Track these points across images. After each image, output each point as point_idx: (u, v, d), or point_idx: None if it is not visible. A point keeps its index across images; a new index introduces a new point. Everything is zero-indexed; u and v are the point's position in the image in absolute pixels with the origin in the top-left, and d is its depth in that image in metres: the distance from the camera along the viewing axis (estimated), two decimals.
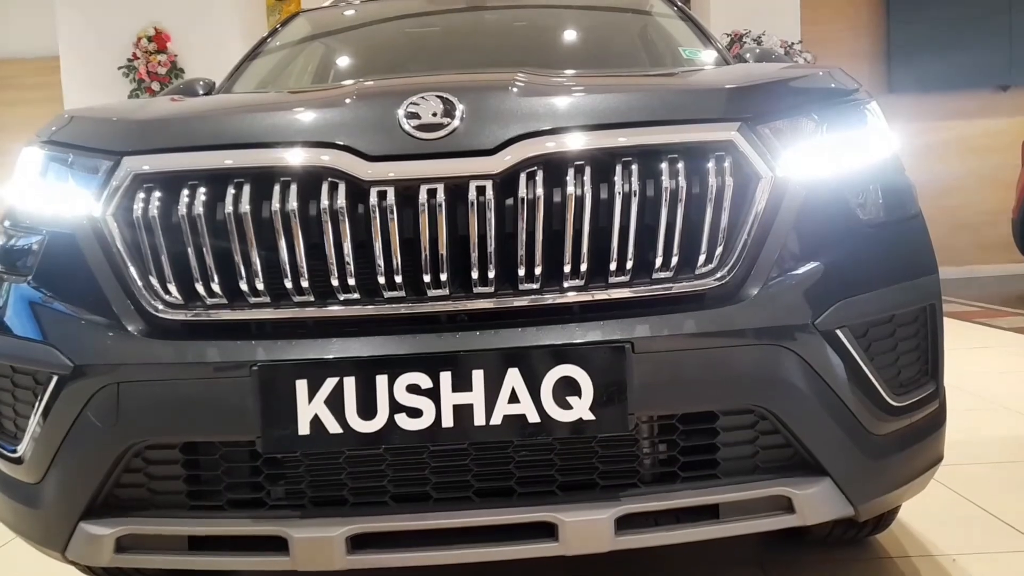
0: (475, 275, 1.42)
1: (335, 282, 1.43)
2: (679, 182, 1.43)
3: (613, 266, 1.42)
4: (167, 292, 1.48)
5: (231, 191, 1.45)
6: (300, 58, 3.13)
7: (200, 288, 1.46)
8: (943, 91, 8.72)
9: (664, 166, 1.44)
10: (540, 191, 1.41)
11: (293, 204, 1.43)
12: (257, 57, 2.95)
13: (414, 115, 1.46)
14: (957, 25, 8.46)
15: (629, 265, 1.43)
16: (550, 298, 1.43)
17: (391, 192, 1.41)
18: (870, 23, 8.89)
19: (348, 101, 1.54)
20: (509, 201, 1.42)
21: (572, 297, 1.43)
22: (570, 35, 3.22)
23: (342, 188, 1.43)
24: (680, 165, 1.44)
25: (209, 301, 1.47)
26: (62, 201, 1.59)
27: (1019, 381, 4.01)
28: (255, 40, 3.17)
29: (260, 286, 1.45)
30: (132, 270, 1.49)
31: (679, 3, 3.19)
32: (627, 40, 3.11)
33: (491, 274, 1.41)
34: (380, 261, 1.42)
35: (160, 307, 1.48)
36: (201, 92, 2.61)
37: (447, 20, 3.33)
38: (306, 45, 3.17)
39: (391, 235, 1.41)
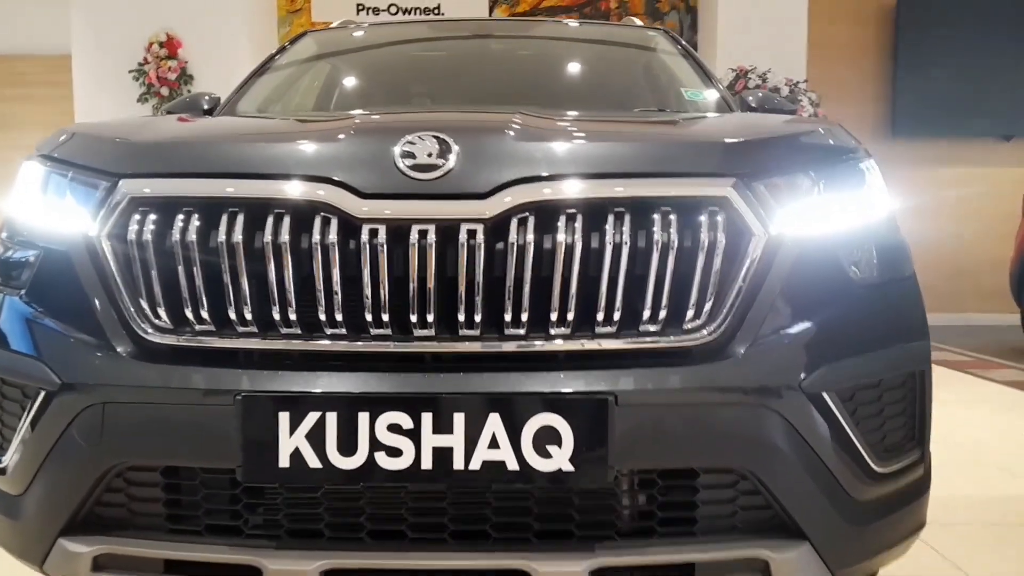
0: (462, 317, 1.42)
1: (322, 316, 1.44)
2: (671, 235, 1.44)
3: (601, 316, 1.43)
4: (157, 316, 1.49)
5: (225, 219, 1.46)
6: (305, 78, 3.16)
7: (189, 314, 1.47)
8: (946, 138, 8.76)
9: (657, 218, 1.45)
10: (531, 237, 1.42)
11: (285, 237, 1.44)
12: (263, 74, 2.97)
13: (409, 154, 1.47)
14: (964, 73, 8.50)
15: (617, 316, 1.43)
16: (536, 344, 1.44)
17: (382, 230, 1.42)
18: (877, 66, 8.94)
19: (345, 136, 1.55)
20: (499, 245, 1.43)
21: (558, 345, 1.44)
22: (573, 69, 3.25)
23: (334, 223, 1.44)
24: (673, 218, 1.45)
25: (198, 327, 1.48)
26: (59, 218, 1.60)
27: (1010, 438, 3.99)
28: (265, 51, 3.20)
29: (249, 316, 1.45)
30: (124, 292, 1.50)
31: (683, 42, 3.21)
32: (630, 79, 3.13)
33: (478, 317, 1.42)
34: (368, 298, 1.43)
35: (149, 330, 1.48)
36: (206, 107, 2.64)
37: (453, 48, 3.36)
38: (311, 65, 3.19)
39: (380, 273, 1.42)
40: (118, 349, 1.49)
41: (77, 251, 1.54)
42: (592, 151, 1.54)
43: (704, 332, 1.46)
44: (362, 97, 3.14)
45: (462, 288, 1.42)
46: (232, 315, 1.46)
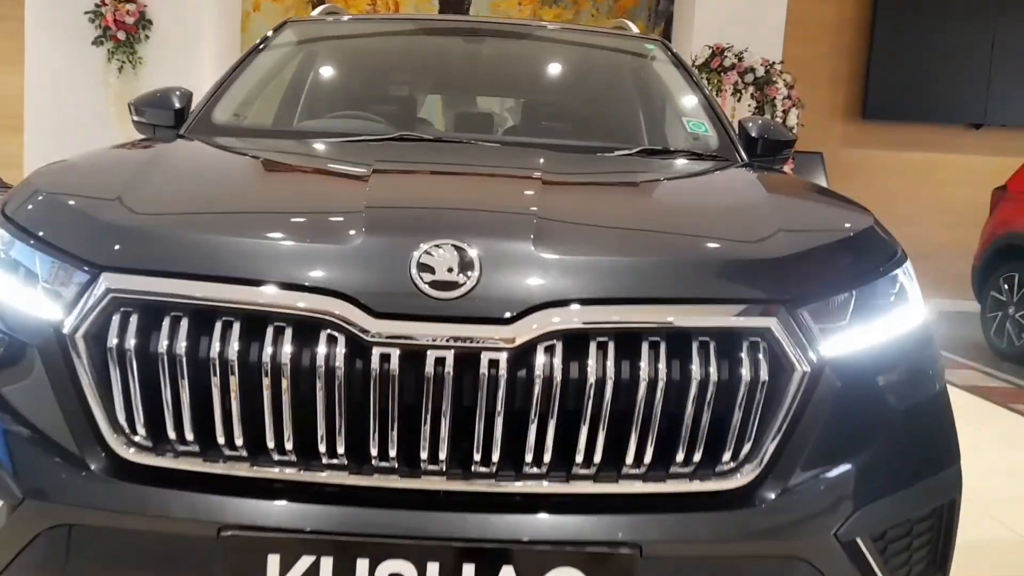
0: (478, 456, 1.29)
1: (322, 446, 1.29)
2: (710, 370, 1.31)
3: (630, 458, 1.31)
4: (134, 431, 1.33)
5: (219, 329, 1.30)
6: (287, 73, 2.93)
7: (171, 432, 1.31)
8: (917, 123, 8.74)
9: (696, 350, 1.32)
10: (559, 368, 1.28)
11: (286, 354, 1.28)
12: (243, 70, 2.73)
13: (427, 268, 1.32)
14: (939, 59, 8.43)
15: (647, 458, 1.31)
16: (556, 487, 1.31)
17: (395, 355, 1.27)
18: (853, 46, 8.81)
19: (357, 241, 1.37)
20: (521, 373, 1.29)
21: (580, 488, 1.32)
22: (566, 86, 3.08)
23: (341, 343, 1.28)
24: (712, 350, 1.33)
25: (180, 448, 1.32)
26: (26, 301, 1.41)
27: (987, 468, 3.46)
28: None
29: (239, 440, 1.30)
30: (98, 400, 1.33)
31: (679, 55, 3.04)
32: (626, 103, 2.97)
33: (495, 456, 1.29)
34: (375, 427, 1.28)
35: (125, 446, 1.33)
36: (177, 106, 2.41)
37: (441, 48, 3.14)
38: (291, 60, 2.96)
39: (390, 400, 1.27)
40: (89, 465, 1.33)
41: (47, 348, 1.36)
42: (627, 269, 1.39)
43: (739, 476, 1.35)
44: (345, 98, 2.94)
45: (480, 424, 1.28)
46: (220, 437, 1.31)
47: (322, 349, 1.28)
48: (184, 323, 1.31)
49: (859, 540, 1.38)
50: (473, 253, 1.33)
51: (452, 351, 1.27)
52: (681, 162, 2.36)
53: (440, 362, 1.27)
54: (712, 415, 1.32)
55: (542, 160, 2.02)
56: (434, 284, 1.30)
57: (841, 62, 8.86)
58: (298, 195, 1.67)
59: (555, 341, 1.29)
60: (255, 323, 1.30)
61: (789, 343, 1.35)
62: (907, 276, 1.61)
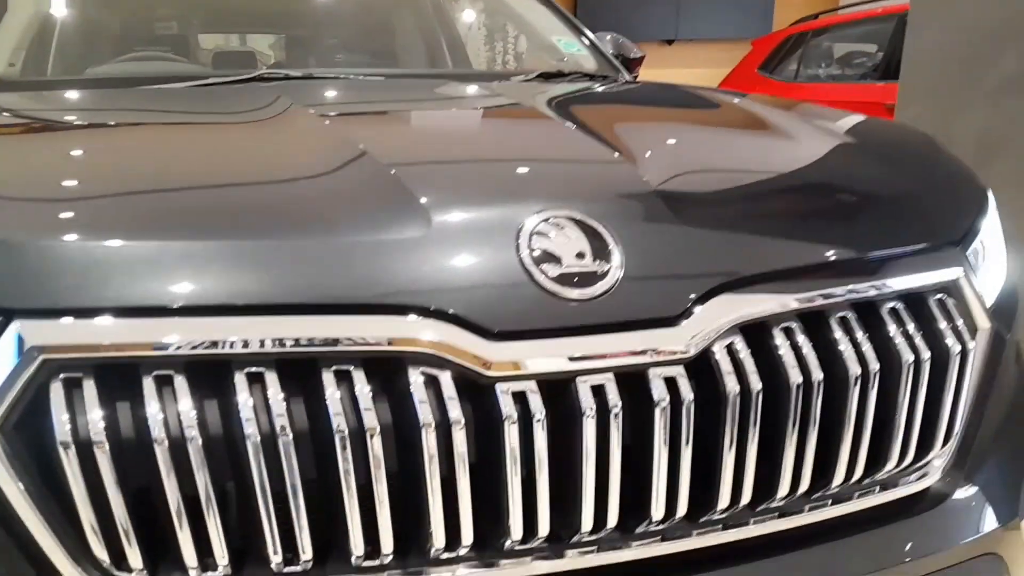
0: (656, 511, 0.92)
1: (437, 538, 0.86)
2: (916, 345, 1.01)
3: (842, 471, 1.00)
4: (116, 561, 0.83)
5: (241, 386, 0.81)
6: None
7: (189, 555, 0.83)
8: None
9: (890, 322, 1.01)
10: (752, 373, 0.92)
11: (368, 412, 0.83)
12: None
13: (547, 254, 0.90)
14: None
15: (860, 469, 1.01)
16: (754, 529, 0.98)
17: (531, 391, 0.86)
18: None
19: (425, 227, 0.90)
20: (690, 390, 0.92)
21: (768, 527, 0.99)
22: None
23: (446, 384, 0.85)
24: (906, 319, 1.02)
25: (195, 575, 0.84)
26: None
27: None
28: None
29: (305, 552, 0.85)
30: (35, 524, 0.81)
31: None
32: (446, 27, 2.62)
33: (680, 508, 0.93)
34: (510, 499, 0.87)
35: None
36: None
37: None
38: None
39: (537, 464, 0.87)
40: None
41: None
42: (793, 229, 1.05)
43: (931, 472, 1.08)
44: (132, 37, 2.39)
45: (658, 466, 0.91)
46: (273, 552, 0.84)
47: (423, 402, 0.84)
48: (179, 387, 0.81)
49: None
50: (602, 227, 0.93)
51: (611, 374, 0.88)
52: (626, 87, 1.99)
53: (598, 392, 0.88)
54: (916, 402, 1.03)
55: (504, 98, 1.62)
56: (563, 279, 0.89)
57: None
58: (267, 166, 1.13)
59: (734, 338, 0.93)
60: (290, 373, 0.84)
61: (973, 297, 1.08)
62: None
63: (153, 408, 0.79)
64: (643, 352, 0.89)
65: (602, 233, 0.92)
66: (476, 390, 0.86)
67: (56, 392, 0.79)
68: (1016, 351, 1.21)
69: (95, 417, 0.79)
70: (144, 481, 0.82)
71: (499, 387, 0.85)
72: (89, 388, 0.80)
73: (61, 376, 0.80)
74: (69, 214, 0.92)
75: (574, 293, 0.89)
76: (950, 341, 1.03)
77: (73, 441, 0.79)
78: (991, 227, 1.20)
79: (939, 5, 2.57)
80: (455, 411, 0.83)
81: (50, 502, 0.81)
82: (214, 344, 0.81)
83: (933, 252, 1.08)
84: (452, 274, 0.87)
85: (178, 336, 0.80)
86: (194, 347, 0.81)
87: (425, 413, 0.83)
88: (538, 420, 0.85)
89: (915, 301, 1.04)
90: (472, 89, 1.82)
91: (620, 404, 0.87)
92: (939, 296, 1.06)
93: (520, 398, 0.85)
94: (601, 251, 0.91)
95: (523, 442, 0.85)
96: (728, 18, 8.85)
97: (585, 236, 0.92)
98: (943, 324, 1.03)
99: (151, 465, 0.80)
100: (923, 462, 1.07)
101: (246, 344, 0.81)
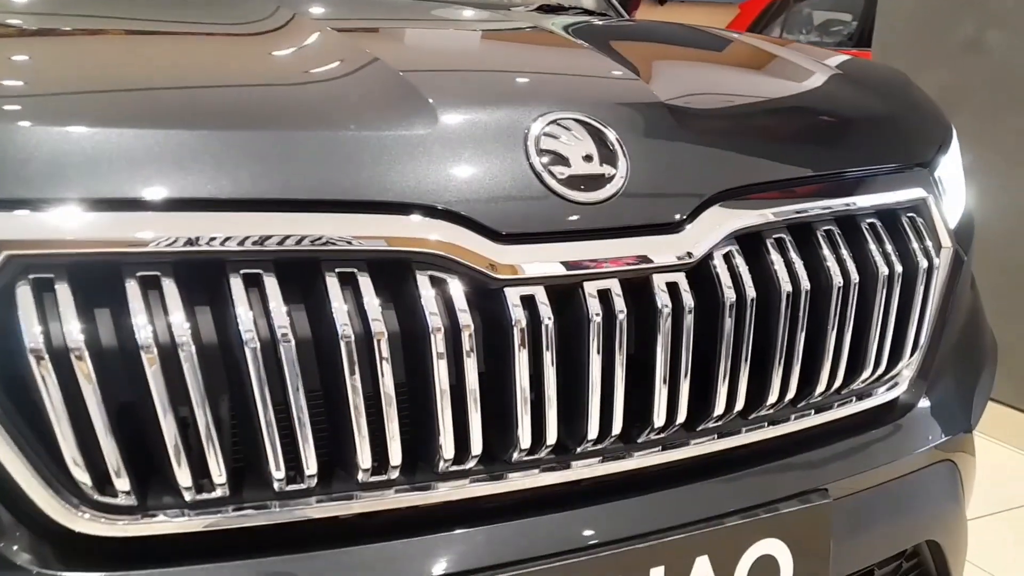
0: (659, 418, 0.91)
1: (445, 448, 0.83)
2: (891, 259, 1.04)
3: (824, 380, 1.02)
4: (104, 483, 0.75)
5: (237, 289, 0.75)
6: None
7: (181, 473, 0.76)
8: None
9: (869, 237, 1.04)
10: (748, 283, 0.93)
11: (376, 313, 0.78)
12: None
13: (555, 156, 0.87)
14: None
15: (825, 381, 1.03)
16: (746, 436, 0.99)
17: (540, 295, 0.83)
18: None
19: (431, 125, 0.85)
20: (697, 295, 0.91)
21: (758, 435, 1.01)
22: None
23: (455, 287, 0.81)
24: (883, 234, 1.05)
25: (189, 497, 0.78)
26: None
27: None
28: None
29: (309, 467, 0.79)
30: (10, 443, 0.73)
31: None
32: None
33: (680, 415, 0.93)
34: (519, 406, 0.84)
35: (74, 512, 0.75)
36: None
37: None
38: None
39: (545, 371, 0.84)
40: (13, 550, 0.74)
41: None
42: (787, 142, 1.06)
43: (900, 382, 1.12)
44: None
45: (661, 373, 0.90)
46: (274, 466, 0.78)
47: (430, 302, 0.80)
48: (168, 286, 0.74)
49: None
50: (609, 130, 0.91)
51: (616, 279, 0.86)
52: (630, 22, 1.98)
53: (603, 296, 0.86)
54: (888, 313, 1.06)
55: (513, 22, 1.56)
56: (571, 181, 0.87)
57: None
58: (271, 67, 1.02)
59: (731, 247, 0.93)
60: (292, 276, 0.78)
61: (939, 214, 1.13)
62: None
63: (138, 311, 0.72)
64: (648, 257, 0.87)
65: (609, 137, 0.90)
66: (483, 295, 0.82)
67: (24, 294, 0.71)
68: (969, 274, 1.27)
69: (70, 322, 0.71)
70: (128, 395, 0.74)
71: (508, 292, 0.82)
72: (63, 291, 0.72)
73: (30, 276, 0.71)
74: (41, 103, 0.82)
75: (581, 196, 0.86)
76: (920, 257, 1.06)
77: (47, 351, 0.71)
78: (953, 158, 1.25)
79: None
80: (465, 316, 0.80)
81: (19, 421, 0.73)
82: (200, 241, 0.74)
83: (907, 172, 1.11)
84: (459, 173, 0.83)
85: (161, 231, 0.73)
86: (178, 244, 0.73)
87: (434, 318, 0.79)
88: (547, 324, 0.82)
89: (888, 218, 1.07)
90: (477, 12, 1.75)
91: (625, 309, 0.86)
92: (910, 214, 1.09)
93: (528, 302, 0.82)
94: (608, 156, 0.89)
95: (531, 348, 0.83)
96: None
97: (592, 139, 0.89)
98: (913, 241, 1.07)
99: (136, 376, 0.73)
100: (894, 372, 1.11)
101: (240, 242, 0.75)
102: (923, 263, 1.07)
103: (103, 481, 0.75)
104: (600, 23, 1.74)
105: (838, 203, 1.01)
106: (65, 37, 1.14)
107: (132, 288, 0.73)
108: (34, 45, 1.06)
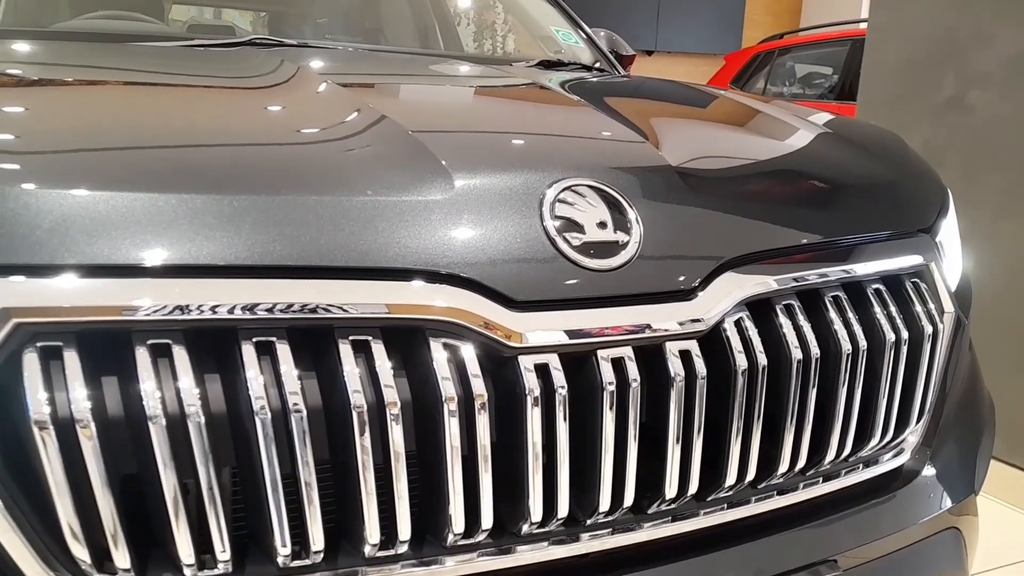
0: (670, 489, 0.90)
1: (456, 523, 0.81)
2: (897, 325, 1.04)
3: (832, 451, 1.01)
4: (98, 563, 0.73)
5: (249, 357, 0.73)
6: None
7: (183, 550, 0.73)
8: None
9: (874, 301, 1.04)
10: (759, 350, 0.92)
11: (388, 380, 0.76)
12: None
13: (570, 223, 0.87)
14: None
15: (834, 450, 1.02)
16: (756, 507, 0.98)
17: (553, 363, 0.82)
18: None
19: (446, 190, 0.84)
20: (703, 365, 0.90)
21: (767, 505, 1.00)
22: None
23: (469, 354, 0.79)
24: (888, 300, 1.05)
25: (191, 573, 0.75)
26: None
27: None
28: None
29: (316, 544, 0.77)
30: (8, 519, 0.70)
31: None
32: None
33: (692, 486, 0.91)
34: (531, 477, 0.82)
35: None
36: None
37: None
38: None
39: (559, 441, 0.83)
40: None
41: None
42: (795, 209, 1.06)
43: (906, 449, 1.12)
44: None
45: (673, 443, 0.89)
46: (278, 543, 0.76)
47: (441, 360, 0.78)
48: (179, 354, 0.72)
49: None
50: (623, 197, 0.90)
51: (629, 346, 0.86)
52: (628, 79, 1.99)
53: (617, 365, 0.85)
54: (895, 379, 1.06)
55: (516, 78, 1.57)
56: (584, 248, 0.86)
57: None
58: (278, 125, 1.01)
59: (743, 313, 0.93)
60: (303, 344, 0.76)
61: (941, 279, 1.13)
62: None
63: (148, 381, 0.70)
64: (662, 325, 0.86)
65: (623, 204, 0.90)
66: (496, 362, 0.81)
67: (31, 362, 0.69)
68: (968, 336, 1.27)
69: (77, 391, 0.69)
70: (131, 468, 0.72)
71: (522, 360, 0.80)
72: (71, 359, 0.70)
73: (37, 344, 0.69)
74: (47, 163, 0.80)
75: (595, 263, 0.86)
76: (924, 322, 1.06)
77: (52, 421, 0.68)
78: (951, 221, 1.26)
79: (893, 32, 2.82)
80: (479, 386, 0.78)
81: (16, 494, 0.70)
82: (207, 308, 0.72)
83: (909, 238, 1.12)
84: (475, 240, 0.82)
85: (163, 298, 0.71)
86: (181, 311, 0.71)
87: (447, 387, 0.77)
88: (561, 394, 0.81)
89: (893, 284, 1.07)
90: (480, 68, 1.76)
91: (639, 377, 0.85)
92: (914, 280, 1.09)
93: (542, 371, 0.81)
94: (622, 222, 0.89)
95: (544, 418, 0.81)
96: (702, 32, 9.45)
97: (606, 206, 0.89)
98: (918, 306, 1.07)
99: (141, 448, 0.71)
100: (900, 439, 1.10)
101: (251, 309, 0.73)
102: (928, 328, 1.07)
103: (102, 558, 0.72)
104: (600, 80, 1.76)
105: (845, 269, 1.01)
106: (71, 92, 1.13)
107: (141, 356, 0.71)
108: (41, 102, 1.05)
